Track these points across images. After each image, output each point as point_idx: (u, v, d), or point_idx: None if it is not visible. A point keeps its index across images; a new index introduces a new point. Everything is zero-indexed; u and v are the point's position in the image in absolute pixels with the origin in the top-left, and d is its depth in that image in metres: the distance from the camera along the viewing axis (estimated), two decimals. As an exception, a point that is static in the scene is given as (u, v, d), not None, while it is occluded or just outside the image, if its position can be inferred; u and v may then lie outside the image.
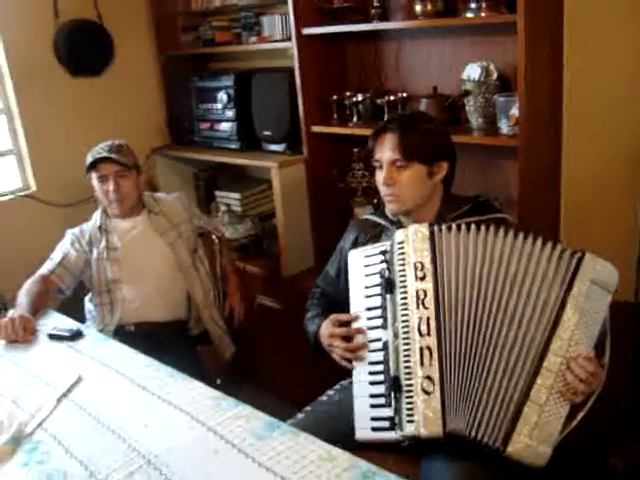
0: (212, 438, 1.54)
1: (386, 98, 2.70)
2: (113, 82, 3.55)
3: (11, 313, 2.26)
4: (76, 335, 2.17)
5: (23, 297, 2.36)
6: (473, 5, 2.34)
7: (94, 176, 2.57)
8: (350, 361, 1.83)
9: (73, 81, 3.41)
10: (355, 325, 1.82)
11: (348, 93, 2.87)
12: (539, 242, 1.64)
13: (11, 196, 3.32)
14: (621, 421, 2.11)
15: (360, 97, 2.82)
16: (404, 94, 2.72)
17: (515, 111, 2.27)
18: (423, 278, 1.66)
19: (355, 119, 2.87)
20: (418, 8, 2.48)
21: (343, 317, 1.87)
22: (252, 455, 1.46)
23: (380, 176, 1.90)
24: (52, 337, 2.17)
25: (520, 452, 1.52)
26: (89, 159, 2.56)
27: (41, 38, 3.28)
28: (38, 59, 3.28)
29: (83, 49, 3.36)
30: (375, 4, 2.66)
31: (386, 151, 1.87)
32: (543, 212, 2.50)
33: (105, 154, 2.53)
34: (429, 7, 2.46)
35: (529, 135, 2.25)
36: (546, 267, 1.61)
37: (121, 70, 3.56)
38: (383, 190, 1.90)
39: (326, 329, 1.92)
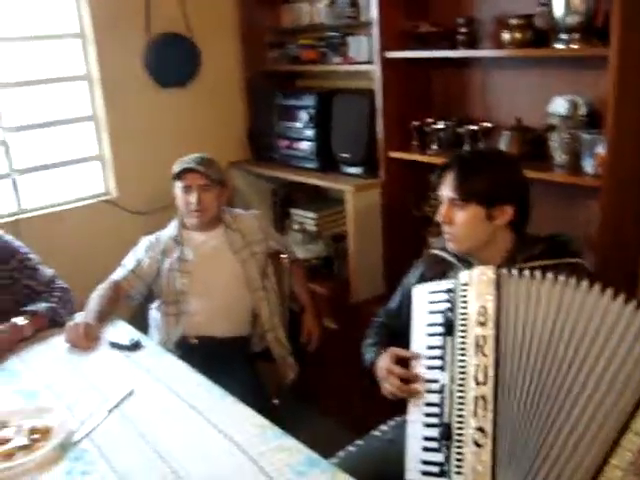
0: (251, 468, 1.51)
1: (467, 128, 2.63)
2: (199, 94, 3.61)
3: (78, 317, 2.31)
4: (135, 346, 2.19)
5: (92, 303, 2.41)
6: (564, 36, 2.25)
7: (179, 185, 2.60)
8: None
9: (160, 92, 3.49)
10: (415, 364, 1.74)
11: (430, 120, 2.81)
12: (632, 305, 1.49)
13: (92, 200, 3.41)
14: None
15: (441, 125, 2.76)
16: (487, 124, 2.64)
17: (601, 150, 2.16)
18: (484, 324, 1.58)
19: (435, 147, 2.80)
20: (506, 37, 2.41)
21: (403, 353, 1.79)
22: (289, 491, 1.42)
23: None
24: (113, 345, 2.20)
25: None
26: (177, 167, 2.60)
27: (132, 50, 3.37)
28: (128, 69, 3.37)
29: (172, 61, 3.43)
30: (462, 30, 2.60)
31: (446, 188, 1.83)
32: (623, 257, 2.36)
33: (194, 165, 2.56)
34: (517, 36, 2.38)
35: (613, 177, 2.13)
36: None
37: (207, 83, 3.62)
38: (442, 227, 1.86)
39: (384, 362, 1.85)
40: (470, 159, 1.89)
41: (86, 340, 2.18)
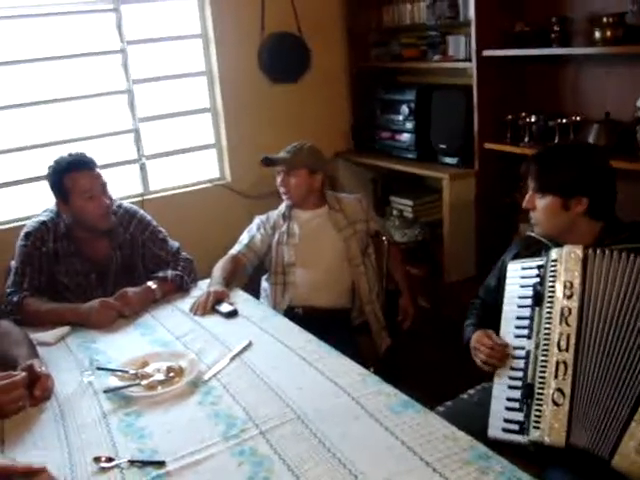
0: (354, 406, 1.75)
1: (558, 121, 2.78)
2: (307, 89, 3.91)
3: (201, 284, 2.63)
4: (232, 314, 2.42)
5: (217, 272, 2.71)
6: (654, 33, 2.38)
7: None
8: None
9: (271, 87, 3.81)
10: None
11: (523, 114, 2.98)
12: None
13: (209, 184, 3.76)
14: None
15: (533, 118, 2.92)
16: (577, 118, 2.78)
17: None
18: (570, 297, 1.76)
19: (527, 139, 2.96)
20: (597, 34, 2.55)
21: (495, 338, 1.96)
22: (385, 424, 1.65)
23: None
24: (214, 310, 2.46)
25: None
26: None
27: (248, 48, 3.70)
28: (243, 66, 3.71)
29: (283, 59, 3.74)
30: (555, 29, 2.75)
31: (530, 178, 1.98)
32: None
33: (274, 155, 2.86)
34: (608, 33, 2.52)
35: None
36: None
37: (315, 79, 3.91)
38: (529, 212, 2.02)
39: (476, 337, 2.03)
40: (550, 154, 2.00)
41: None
